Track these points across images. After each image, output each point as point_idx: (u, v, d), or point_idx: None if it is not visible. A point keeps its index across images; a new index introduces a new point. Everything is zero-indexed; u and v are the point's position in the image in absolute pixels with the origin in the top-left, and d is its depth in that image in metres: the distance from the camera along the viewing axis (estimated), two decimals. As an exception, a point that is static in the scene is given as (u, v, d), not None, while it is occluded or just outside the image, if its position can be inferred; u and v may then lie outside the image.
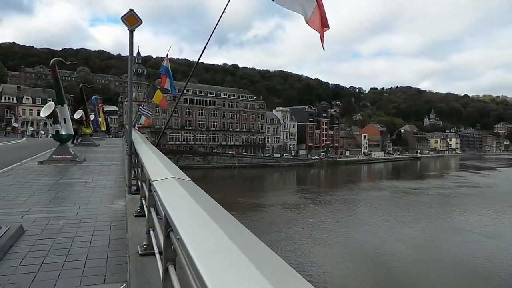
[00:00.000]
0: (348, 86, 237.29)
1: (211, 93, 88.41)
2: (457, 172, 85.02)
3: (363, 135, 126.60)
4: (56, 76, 11.23)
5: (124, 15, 5.63)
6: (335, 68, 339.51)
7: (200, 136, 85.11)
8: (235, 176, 65.79)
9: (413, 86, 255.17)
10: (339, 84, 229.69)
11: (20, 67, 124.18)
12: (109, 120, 55.78)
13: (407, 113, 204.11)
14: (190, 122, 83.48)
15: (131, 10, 5.68)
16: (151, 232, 3.32)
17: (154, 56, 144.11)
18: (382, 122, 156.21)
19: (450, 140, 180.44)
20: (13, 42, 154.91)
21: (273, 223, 28.35)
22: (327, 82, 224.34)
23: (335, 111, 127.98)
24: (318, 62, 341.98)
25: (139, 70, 78.04)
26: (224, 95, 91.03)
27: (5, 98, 73.05)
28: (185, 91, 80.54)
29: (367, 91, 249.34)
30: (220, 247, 1.10)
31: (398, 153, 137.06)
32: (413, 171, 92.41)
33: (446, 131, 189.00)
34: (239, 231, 1.29)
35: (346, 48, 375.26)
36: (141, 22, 5.75)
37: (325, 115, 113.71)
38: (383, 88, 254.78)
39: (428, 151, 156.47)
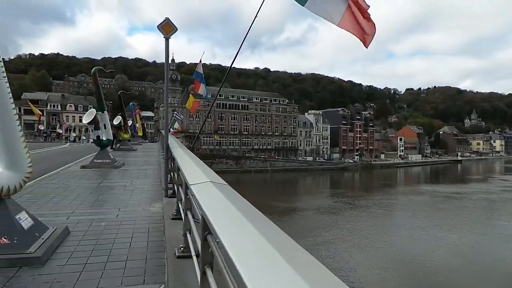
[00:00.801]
0: (382, 88, 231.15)
1: (243, 98, 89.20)
2: (503, 176, 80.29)
3: (399, 137, 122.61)
4: (97, 84, 11.80)
5: (160, 23, 5.82)
6: (369, 69, 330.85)
7: (232, 140, 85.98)
8: (268, 180, 65.81)
9: (452, 86, 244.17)
10: (373, 86, 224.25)
11: (64, 76, 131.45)
12: (145, 126, 57.64)
13: (446, 114, 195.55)
14: (223, 126, 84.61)
15: (167, 19, 5.86)
16: (188, 235, 3.39)
17: (187, 62, 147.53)
18: (419, 124, 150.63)
19: (494, 142, 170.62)
20: (58, 53, 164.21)
21: (309, 227, 28.07)
22: (360, 83, 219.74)
23: (369, 113, 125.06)
24: (351, 63, 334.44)
25: (173, 76, 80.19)
26: (256, 99, 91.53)
27: (50, 106, 77.49)
28: (217, 95, 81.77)
29: (402, 92, 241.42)
30: (259, 250, 1.10)
31: (437, 156, 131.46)
32: (454, 174, 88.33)
33: (490, 132, 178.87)
34: (277, 235, 1.29)
35: (381, 48, 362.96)
36: (176, 30, 5.92)
37: (359, 117, 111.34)
38: (419, 88, 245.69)
39: (469, 154, 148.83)
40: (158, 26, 5.80)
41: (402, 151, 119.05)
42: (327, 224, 29.60)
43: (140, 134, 36.70)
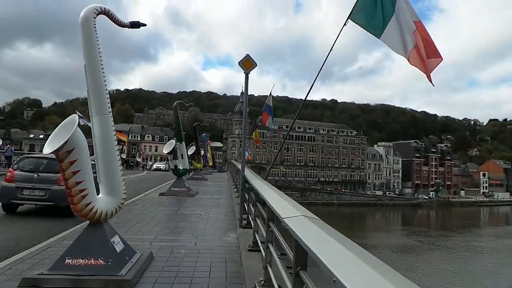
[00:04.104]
0: (461, 118, 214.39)
1: (310, 129, 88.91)
2: None
3: (482, 173, 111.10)
4: (177, 117, 12.69)
5: (241, 60, 6.13)
6: (445, 99, 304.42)
7: (298, 172, 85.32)
8: (334, 214, 63.38)
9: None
10: (449, 116, 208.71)
11: (144, 109, 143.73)
12: (214, 156, 59.84)
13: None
14: (289, 157, 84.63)
15: (248, 55, 6.16)
16: (269, 268, 3.34)
17: (256, 95, 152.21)
18: (506, 158, 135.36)
19: None
20: (140, 88, 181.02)
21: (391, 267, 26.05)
22: (435, 114, 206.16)
23: (446, 146, 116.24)
24: (426, 93, 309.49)
25: (242, 109, 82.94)
26: (323, 131, 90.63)
27: (131, 136, 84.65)
28: (284, 127, 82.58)
29: (485, 123, 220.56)
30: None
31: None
32: (553, 216, 76.91)
33: None
34: (394, 276, 1.21)
35: (462, 76, 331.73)
36: (256, 65, 6.18)
37: (434, 150, 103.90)
38: (505, 119, 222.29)
39: None
40: (239, 63, 6.11)
41: (486, 188, 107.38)
42: (406, 264, 27.23)
43: (211, 164, 38.16)
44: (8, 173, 8.65)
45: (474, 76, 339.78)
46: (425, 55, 5.38)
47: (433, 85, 5.54)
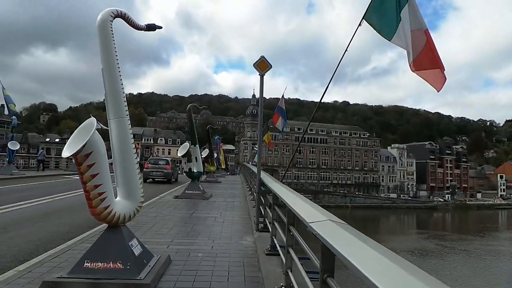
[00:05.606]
0: (476, 119, 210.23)
1: (322, 131, 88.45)
2: None
3: (499, 175, 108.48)
4: (191, 120, 12.70)
5: (256, 61, 6.08)
6: (460, 99, 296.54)
7: (311, 174, 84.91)
8: (348, 216, 62.66)
9: None
10: (464, 118, 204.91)
11: (157, 112, 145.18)
12: (226, 158, 59.96)
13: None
14: (301, 160, 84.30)
15: (262, 57, 6.10)
16: (290, 273, 3.26)
17: (267, 97, 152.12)
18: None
19: None
20: (152, 92, 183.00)
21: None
22: (449, 115, 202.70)
23: (461, 147, 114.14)
24: (440, 94, 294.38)
25: (254, 111, 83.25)
26: (336, 133, 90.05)
27: (144, 139, 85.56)
28: (296, 129, 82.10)
29: (501, 124, 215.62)
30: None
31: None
32: None
33: None
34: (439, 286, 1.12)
35: (476, 75, 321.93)
36: (271, 67, 6.12)
37: (449, 152, 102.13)
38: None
39: None
40: (254, 64, 6.05)
41: (504, 191, 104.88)
42: (428, 269, 26.68)
43: (223, 166, 38.20)
44: (145, 165, 20.52)
45: (490, 76, 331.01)
46: (431, 64, 5.38)
47: (437, 91, 5.60)
